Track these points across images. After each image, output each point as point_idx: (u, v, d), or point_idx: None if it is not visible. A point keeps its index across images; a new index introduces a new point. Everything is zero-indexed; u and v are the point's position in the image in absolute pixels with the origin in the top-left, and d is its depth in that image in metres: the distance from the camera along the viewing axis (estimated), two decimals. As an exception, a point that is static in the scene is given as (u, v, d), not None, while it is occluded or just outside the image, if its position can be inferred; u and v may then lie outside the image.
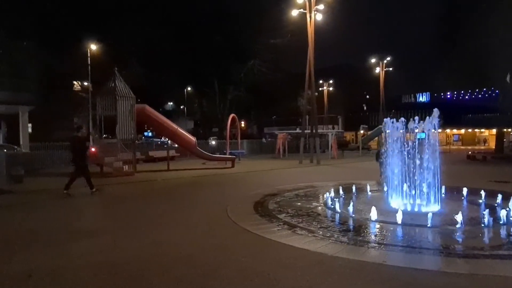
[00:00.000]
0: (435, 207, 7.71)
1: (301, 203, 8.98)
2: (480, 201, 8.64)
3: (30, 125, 26.66)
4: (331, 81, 56.49)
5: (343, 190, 9.77)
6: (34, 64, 25.32)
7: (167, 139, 22.69)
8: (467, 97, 62.42)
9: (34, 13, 26.60)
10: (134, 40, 32.19)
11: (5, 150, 17.35)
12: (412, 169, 8.10)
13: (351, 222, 7.02)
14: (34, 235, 6.36)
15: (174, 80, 40.68)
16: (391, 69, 46.64)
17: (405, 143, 8.31)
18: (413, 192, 8.02)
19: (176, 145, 22.63)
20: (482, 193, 8.88)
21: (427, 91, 66.10)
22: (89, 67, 32.06)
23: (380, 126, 31.31)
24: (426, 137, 8.03)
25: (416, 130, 8.17)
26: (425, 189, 7.95)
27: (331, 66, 65.63)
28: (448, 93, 64.92)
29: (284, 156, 27.88)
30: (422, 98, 66.70)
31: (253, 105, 44.83)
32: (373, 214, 6.94)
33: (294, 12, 23.22)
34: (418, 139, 8.16)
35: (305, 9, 22.54)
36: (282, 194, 10.23)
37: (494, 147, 32.72)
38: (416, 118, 8.17)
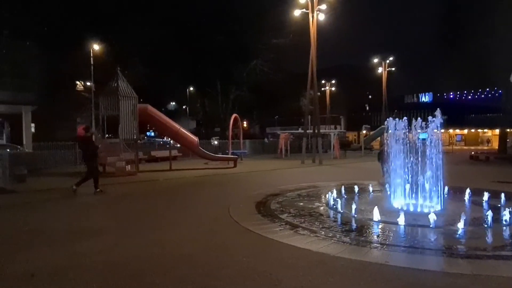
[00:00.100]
0: (437, 208, 7.69)
1: (303, 203, 8.97)
2: (483, 201, 8.60)
3: (33, 125, 26.73)
4: (333, 81, 56.41)
5: (345, 190, 9.75)
6: (37, 64, 25.42)
7: (169, 139, 22.72)
8: (470, 97, 62.24)
9: (37, 13, 26.68)
10: (137, 40, 32.24)
11: (8, 150, 17.43)
12: (414, 169, 8.08)
13: (353, 222, 7.00)
14: (36, 234, 6.38)
15: (177, 80, 40.74)
16: (393, 69, 46.55)
17: (407, 143, 8.30)
18: (416, 192, 8.00)
19: (178, 145, 22.66)
20: (485, 193, 8.83)
21: (430, 91, 65.96)
22: (92, 67, 32.14)
23: (382, 126, 31.28)
24: (428, 137, 8.02)
25: (418, 130, 8.16)
26: (427, 189, 7.94)
27: (333, 66, 65.63)
28: (451, 93, 64.77)
29: (286, 156, 27.86)
30: (425, 98, 66.55)
31: (255, 105, 44.77)
32: (375, 214, 6.92)
33: (297, 12, 23.19)
34: (421, 139, 8.15)
35: (307, 9, 22.51)
36: (284, 194, 10.22)
37: (497, 148, 32.61)
38: (419, 119, 8.16)
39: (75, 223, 7.23)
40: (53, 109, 29.85)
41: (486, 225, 6.45)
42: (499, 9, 23.28)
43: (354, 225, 6.84)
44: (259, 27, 33.34)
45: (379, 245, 5.57)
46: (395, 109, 49.17)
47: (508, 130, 32.65)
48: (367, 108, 69.51)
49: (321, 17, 22.80)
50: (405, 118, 8.49)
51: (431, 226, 6.35)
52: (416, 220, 6.79)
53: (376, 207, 7.07)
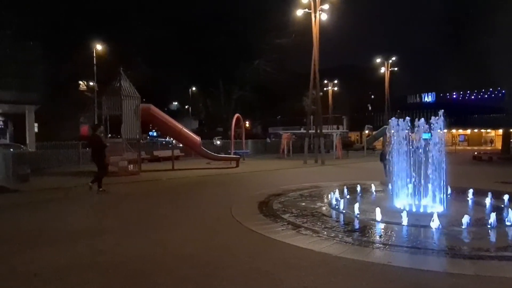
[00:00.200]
0: (440, 208, 7.67)
1: (305, 203, 8.96)
2: (486, 202, 8.57)
3: (36, 124, 26.85)
4: (336, 81, 56.33)
5: (347, 191, 9.74)
6: (40, 64, 25.50)
7: (172, 138, 22.74)
8: (473, 97, 62.01)
9: (40, 13, 26.77)
10: (140, 40, 32.33)
11: (12, 149, 17.51)
12: (417, 170, 8.06)
13: (355, 222, 7.00)
14: (39, 234, 6.40)
15: (179, 79, 40.82)
16: (396, 69, 46.45)
17: (410, 143, 8.28)
18: (418, 192, 7.98)
19: (181, 145, 22.68)
20: (488, 193, 8.80)
21: (433, 91, 65.72)
22: (95, 67, 32.24)
23: (385, 126, 31.25)
24: (431, 137, 8.00)
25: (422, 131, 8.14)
26: (430, 190, 7.92)
27: (336, 66, 65.60)
28: (454, 93, 64.54)
29: (288, 156, 27.85)
30: (428, 98, 66.32)
31: (258, 105, 44.82)
32: (378, 214, 6.91)
33: (299, 12, 23.18)
34: (424, 139, 8.13)
35: (310, 9, 22.50)
36: (286, 194, 10.22)
37: (500, 148, 32.49)
38: (422, 119, 8.14)
39: (78, 223, 7.25)
40: (56, 108, 29.99)
41: (489, 226, 6.43)
42: (502, 8, 23.18)
43: (356, 225, 6.83)
44: (261, 27, 33.35)
45: (381, 245, 5.55)
46: (398, 109, 49.01)
47: (511, 130, 32.50)
48: (370, 108, 69.39)
49: (324, 17, 22.77)
50: (407, 118, 8.47)
51: (433, 226, 6.33)
52: (418, 221, 6.77)
53: (378, 207, 7.06)
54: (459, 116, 48.89)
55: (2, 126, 29.97)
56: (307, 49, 24.48)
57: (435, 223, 6.31)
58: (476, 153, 27.28)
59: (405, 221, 6.57)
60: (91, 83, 36.14)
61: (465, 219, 6.36)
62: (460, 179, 11.11)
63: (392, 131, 8.69)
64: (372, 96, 70.30)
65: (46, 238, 6.12)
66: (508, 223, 6.54)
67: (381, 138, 36.07)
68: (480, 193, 9.12)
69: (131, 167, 16.18)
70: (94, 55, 32.58)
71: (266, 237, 5.94)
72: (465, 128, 54.85)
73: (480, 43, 26.32)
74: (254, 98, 39.54)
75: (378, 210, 6.95)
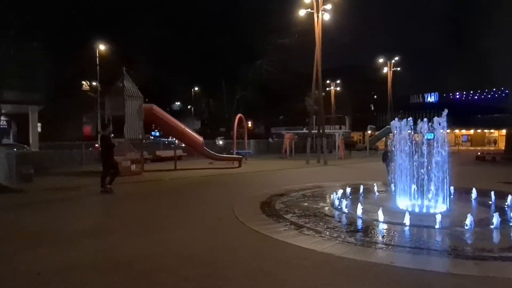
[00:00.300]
0: (443, 208, 7.65)
1: (308, 203, 8.95)
2: (489, 202, 8.54)
3: (39, 124, 26.97)
4: (338, 81, 56.27)
5: (350, 191, 9.72)
6: (43, 65, 25.60)
7: (174, 138, 22.76)
8: (476, 97, 61.86)
9: (43, 14, 26.88)
10: (143, 40, 32.40)
11: (15, 149, 17.58)
12: (420, 170, 8.04)
13: (358, 222, 6.98)
14: (42, 233, 6.42)
15: (182, 80, 40.85)
16: (399, 69, 46.34)
17: (413, 144, 8.26)
18: (421, 192, 7.96)
19: (184, 145, 22.70)
20: (491, 194, 8.77)
21: (436, 91, 65.65)
22: (98, 67, 32.33)
23: (388, 126, 31.15)
24: (434, 137, 7.98)
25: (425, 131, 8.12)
26: (433, 190, 7.89)
27: (338, 66, 65.49)
28: (457, 93, 64.42)
29: (291, 156, 27.83)
30: (431, 98, 66.20)
31: (260, 105, 44.79)
32: (380, 214, 6.90)
33: (302, 12, 23.18)
34: (427, 139, 8.11)
35: (312, 9, 22.49)
36: (289, 194, 10.21)
37: (503, 148, 32.35)
38: (425, 119, 8.12)
39: (81, 222, 7.27)
40: (59, 109, 30.10)
41: (492, 226, 6.40)
42: (506, 8, 23.11)
43: (359, 225, 6.82)
44: (264, 27, 33.35)
45: (384, 245, 5.54)
46: (401, 109, 48.95)
47: (514, 130, 32.39)
48: (372, 108, 69.30)
49: (326, 17, 22.75)
50: (410, 118, 8.44)
51: (436, 227, 6.31)
52: (421, 221, 6.75)
53: (381, 207, 7.04)
54: (462, 116, 48.74)
55: (6, 126, 30.12)
56: (309, 49, 24.49)
57: (437, 224, 6.29)
58: (479, 153, 27.17)
59: (407, 221, 6.55)
60: (94, 83, 36.25)
61: (468, 220, 6.33)
62: (463, 179, 11.06)
63: (395, 131, 8.67)
64: (375, 96, 70.22)
65: (49, 238, 6.13)
66: (511, 224, 6.51)
67: (384, 138, 36.00)
68: (483, 194, 9.09)
69: (133, 167, 16.20)
70: (97, 55, 32.69)
71: (268, 237, 5.94)
72: (468, 128, 54.69)
73: (483, 43, 26.25)
74: (256, 98, 39.51)
75: (380, 210, 6.93)
